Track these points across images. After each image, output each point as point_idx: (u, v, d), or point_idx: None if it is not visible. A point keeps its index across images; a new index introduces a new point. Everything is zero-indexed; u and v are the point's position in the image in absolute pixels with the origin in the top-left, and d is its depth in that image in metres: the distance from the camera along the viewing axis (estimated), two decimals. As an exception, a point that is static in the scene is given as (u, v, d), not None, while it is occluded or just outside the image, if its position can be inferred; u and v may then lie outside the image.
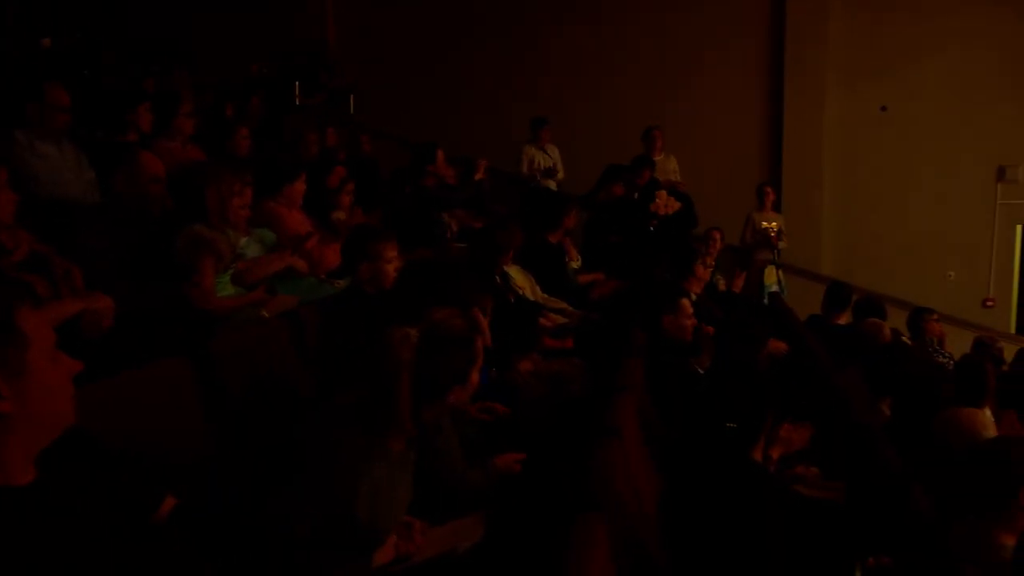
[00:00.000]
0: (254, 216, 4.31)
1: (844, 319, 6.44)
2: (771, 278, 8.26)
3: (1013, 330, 9.50)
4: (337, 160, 6.46)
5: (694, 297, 5.10)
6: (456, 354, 2.12)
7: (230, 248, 3.76)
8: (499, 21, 10.20)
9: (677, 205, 7.27)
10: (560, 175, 8.37)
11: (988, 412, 4.12)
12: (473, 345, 2.17)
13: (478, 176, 7.15)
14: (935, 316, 7.36)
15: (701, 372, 4.36)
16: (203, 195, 3.68)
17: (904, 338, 6.46)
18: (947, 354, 6.71)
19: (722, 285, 7.49)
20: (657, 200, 7.12)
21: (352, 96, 10.22)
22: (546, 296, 5.27)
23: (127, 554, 1.48)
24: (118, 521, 1.53)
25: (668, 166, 8.28)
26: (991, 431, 3.94)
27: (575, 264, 6.29)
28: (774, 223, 8.35)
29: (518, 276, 5.09)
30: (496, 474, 2.81)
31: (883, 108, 9.63)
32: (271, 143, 6.77)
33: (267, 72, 9.19)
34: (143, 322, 3.12)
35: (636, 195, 7.37)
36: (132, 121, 4.94)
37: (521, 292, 5.01)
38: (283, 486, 2.04)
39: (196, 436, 2.81)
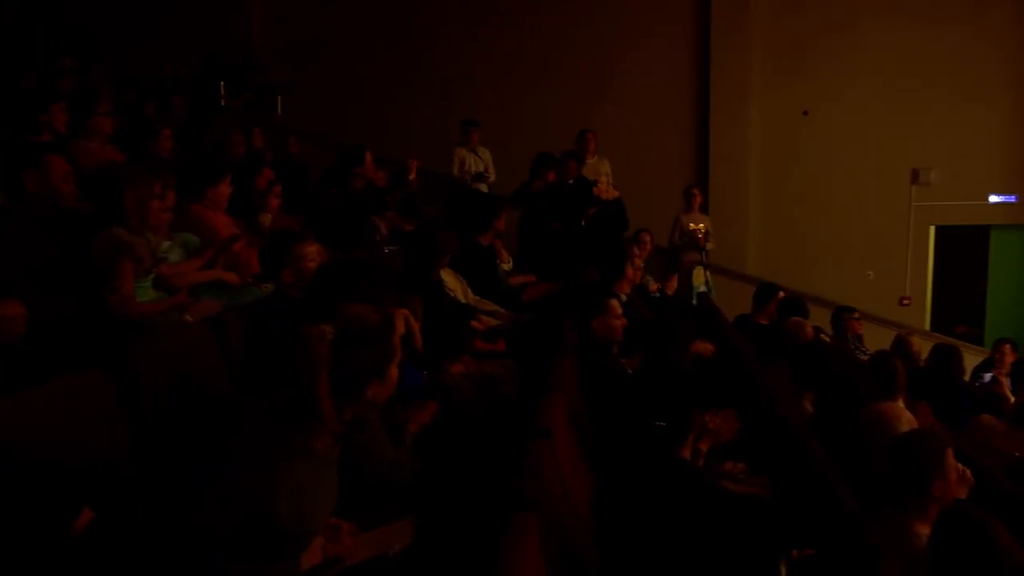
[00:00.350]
0: (179, 219, 4.20)
1: (766, 318, 6.63)
2: (699, 279, 8.41)
3: (928, 327, 9.90)
4: (264, 161, 6.34)
5: (624, 298, 5.16)
6: (370, 348, 2.09)
7: (150, 252, 3.65)
8: (428, 23, 10.17)
9: (616, 193, 7.37)
10: (491, 177, 8.37)
11: (901, 404, 4.28)
12: (389, 340, 2.15)
13: (411, 176, 7.09)
14: (856, 314, 7.63)
15: (629, 372, 4.41)
16: (121, 197, 3.56)
17: (823, 335, 6.66)
18: (867, 351, 6.96)
19: (652, 286, 7.61)
20: (599, 184, 7.24)
21: (280, 97, 10.05)
22: (478, 299, 5.27)
23: (43, 568, 1.43)
24: (33, 535, 1.47)
25: (601, 168, 8.34)
26: (906, 423, 4.09)
27: (506, 266, 6.30)
28: (701, 224, 8.51)
29: (450, 279, 5.07)
30: (411, 438, 2.81)
31: (805, 112, 9.93)
32: (195, 144, 6.60)
33: (184, 72, 8.92)
34: (58, 329, 3.01)
35: (569, 183, 7.45)
36: (46, 121, 4.77)
37: (453, 295, 4.99)
38: (203, 491, 1.99)
39: (115, 446, 2.72)
